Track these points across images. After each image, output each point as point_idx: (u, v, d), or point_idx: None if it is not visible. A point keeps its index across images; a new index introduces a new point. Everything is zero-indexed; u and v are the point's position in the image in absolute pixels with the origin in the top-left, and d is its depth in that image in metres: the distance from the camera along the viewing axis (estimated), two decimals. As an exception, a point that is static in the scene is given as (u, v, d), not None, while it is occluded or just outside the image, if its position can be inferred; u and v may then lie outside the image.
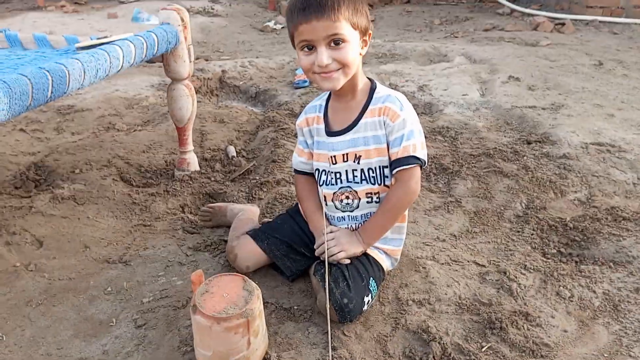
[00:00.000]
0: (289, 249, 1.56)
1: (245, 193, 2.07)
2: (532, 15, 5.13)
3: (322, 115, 1.51)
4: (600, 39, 4.33)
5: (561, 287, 1.54)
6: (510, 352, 1.31)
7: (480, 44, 4.18)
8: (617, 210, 1.87)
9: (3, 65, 1.78)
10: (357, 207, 1.49)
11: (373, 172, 1.46)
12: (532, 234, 1.80)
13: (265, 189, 2.09)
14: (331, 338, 1.32)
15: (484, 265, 1.65)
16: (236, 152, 2.44)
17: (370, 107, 1.43)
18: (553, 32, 4.58)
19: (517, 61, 3.57)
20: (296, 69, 3.63)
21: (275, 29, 5.28)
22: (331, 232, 1.47)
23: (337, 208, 1.51)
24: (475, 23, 5.12)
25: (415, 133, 1.41)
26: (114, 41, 1.76)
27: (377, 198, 1.48)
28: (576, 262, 1.66)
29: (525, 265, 1.64)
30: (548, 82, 3.16)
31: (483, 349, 1.31)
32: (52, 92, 1.42)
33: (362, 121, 1.43)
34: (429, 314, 1.43)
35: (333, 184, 1.50)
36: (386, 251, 1.53)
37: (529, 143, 2.43)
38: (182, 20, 2.01)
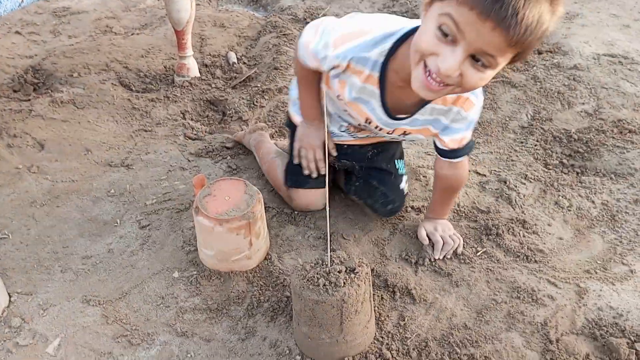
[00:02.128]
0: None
1: (246, 100, 2.04)
2: None
3: (377, 75, 1.14)
4: (624, -56, 4.07)
5: (560, 197, 1.55)
6: (504, 256, 1.34)
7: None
8: (623, 123, 1.84)
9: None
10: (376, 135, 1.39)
11: (411, 139, 1.35)
12: (535, 145, 1.79)
13: (267, 97, 2.05)
14: (330, 240, 1.35)
15: (484, 175, 1.65)
16: (237, 58, 2.38)
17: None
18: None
19: (533, -33, 3.38)
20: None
21: None
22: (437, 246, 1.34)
23: (356, 136, 1.42)
24: None
25: (475, 122, 1.24)
26: None
27: (403, 135, 1.32)
28: (577, 173, 1.66)
29: (526, 175, 1.64)
30: (564, -10, 3.01)
31: (478, 253, 1.34)
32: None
33: (429, 105, 1.18)
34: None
35: (364, 129, 1.34)
36: None
37: (539, 53, 2.35)
38: None
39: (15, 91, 2.07)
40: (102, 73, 2.18)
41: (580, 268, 1.32)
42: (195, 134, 1.86)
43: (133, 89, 2.11)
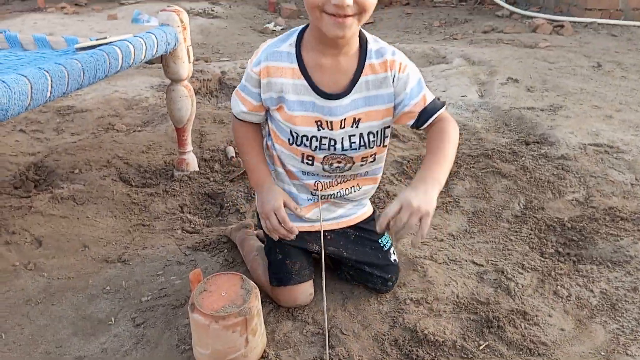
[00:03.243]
0: (308, 256, 1.47)
1: (243, 193, 2.08)
2: (531, 17, 5.14)
3: (297, 67, 1.23)
4: (599, 41, 4.34)
5: (559, 287, 1.55)
6: (507, 350, 1.32)
7: (479, 46, 4.19)
8: (615, 211, 1.87)
9: (3, 66, 1.78)
10: (349, 169, 1.35)
11: (374, 137, 1.30)
12: (530, 234, 1.81)
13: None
14: (329, 337, 1.33)
15: (481, 265, 1.65)
16: (235, 152, 2.45)
17: (367, 61, 1.24)
18: (552, 34, 4.59)
19: (515, 63, 3.58)
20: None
21: (274, 30, 5.29)
22: (396, 206, 1.11)
23: (325, 170, 1.35)
24: (474, 25, 5.13)
25: (423, 80, 1.29)
26: (113, 42, 1.77)
27: (372, 159, 1.35)
28: (574, 261, 1.67)
29: (523, 265, 1.64)
30: (547, 84, 3.17)
31: (480, 347, 1.32)
32: (51, 92, 1.43)
33: (361, 79, 1.24)
34: (427, 313, 1.43)
35: (324, 149, 1.30)
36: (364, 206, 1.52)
37: (527, 144, 2.43)
38: (182, 21, 2.01)
39: (16, 188, 2.11)
40: (103, 169, 2.23)
41: (585, 361, 1.30)
42: (192, 228, 1.88)
43: (133, 184, 2.16)
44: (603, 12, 4.93)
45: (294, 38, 1.24)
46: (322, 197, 1.41)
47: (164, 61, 2.04)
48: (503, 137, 2.53)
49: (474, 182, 2.12)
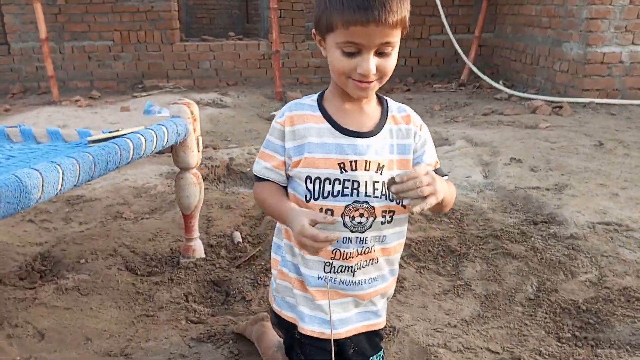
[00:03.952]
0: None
1: (250, 279, 2.05)
2: (529, 99, 5.28)
3: (320, 114, 1.25)
4: (599, 120, 4.43)
5: (579, 374, 1.48)
6: None
7: (480, 128, 4.28)
8: (629, 291, 1.83)
9: (16, 159, 1.83)
10: (370, 227, 1.24)
11: None
12: (545, 318, 1.75)
13: (270, 275, 2.06)
14: None
15: (497, 353, 1.59)
16: (242, 237, 2.45)
17: (390, 112, 1.27)
18: (551, 115, 4.70)
19: (517, 143, 3.64)
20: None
21: (281, 117, 5.44)
22: (417, 172, 1.11)
23: (345, 226, 1.24)
24: (475, 108, 5.27)
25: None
26: (125, 134, 1.82)
27: (390, 218, 1.25)
28: (592, 345, 1.60)
29: (540, 351, 1.58)
30: (550, 163, 3.20)
31: None
32: (62, 185, 1.45)
33: (386, 126, 1.25)
34: (442, 406, 1.36)
35: (347, 195, 1.22)
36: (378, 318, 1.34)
37: (535, 224, 2.42)
38: (192, 113, 2.09)
39: (21, 279, 2.10)
40: (109, 258, 2.22)
41: None
42: (197, 317, 1.84)
43: (138, 272, 2.14)
44: (600, 92, 5.07)
45: (315, 96, 1.30)
46: (335, 273, 1.28)
47: (174, 151, 2.09)
48: (510, 217, 2.52)
49: (484, 264, 2.09)
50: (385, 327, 1.39)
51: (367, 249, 1.27)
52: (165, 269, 2.17)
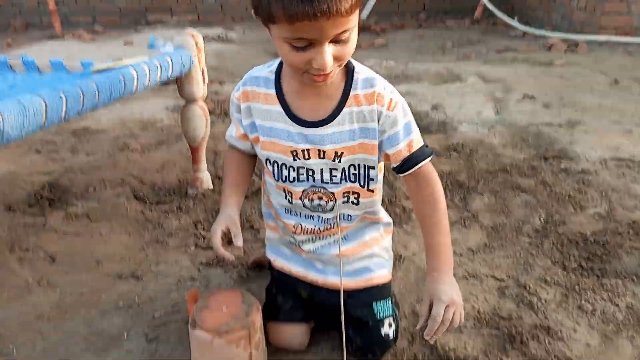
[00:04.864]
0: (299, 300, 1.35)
1: (257, 209, 2.06)
2: (545, 36, 5.13)
3: (274, 92, 1.16)
4: (615, 58, 4.31)
5: (583, 301, 1.49)
6: (532, 366, 1.26)
7: (493, 65, 4.18)
8: (638, 224, 1.82)
9: (19, 88, 1.81)
10: (332, 209, 1.22)
11: (355, 169, 1.18)
12: (551, 248, 1.76)
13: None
14: (347, 336, 1.28)
15: (502, 280, 1.60)
16: (249, 170, 2.44)
17: (352, 92, 1.12)
18: (567, 53, 4.57)
19: (531, 80, 3.56)
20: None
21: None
22: (427, 305, 1.10)
23: (305, 206, 1.23)
24: (488, 45, 5.13)
25: (414, 122, 1.17)
26: (128, 64, 1.78)
27: (355, 198, 1.21)
28: (598, 276, 1.61)
29: (546, 280, 1.59)
30: (564, 100, 3.13)
31: (504, 364, 1.27)
32: (66, 112, 1.43)
33: (345, 110, 1.12)
34: (447, 328, 1.38)
35: (303, 181, 1.20)
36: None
37: (546, 159, 2.39)
38: (197, 44, 2.04)
39: (30, 206, 2.11)
40: (118, 187, 2.23)
41: (615, 378, 1.23)
42: (206, 244, 1.86)
43: (147, 201, 2.15)
44: (618, 30, 4.90)
45: (274, 65, 1.18)
46: (299, 248, 1.30)
47: (179, 82, 2.05)
48: (521, 153, 2.49)
49: (492, 197, 2.08)
50: (390, 280, 1.35)
51: (330, 226, 1.25)
52: (174, 199, 2.18)
